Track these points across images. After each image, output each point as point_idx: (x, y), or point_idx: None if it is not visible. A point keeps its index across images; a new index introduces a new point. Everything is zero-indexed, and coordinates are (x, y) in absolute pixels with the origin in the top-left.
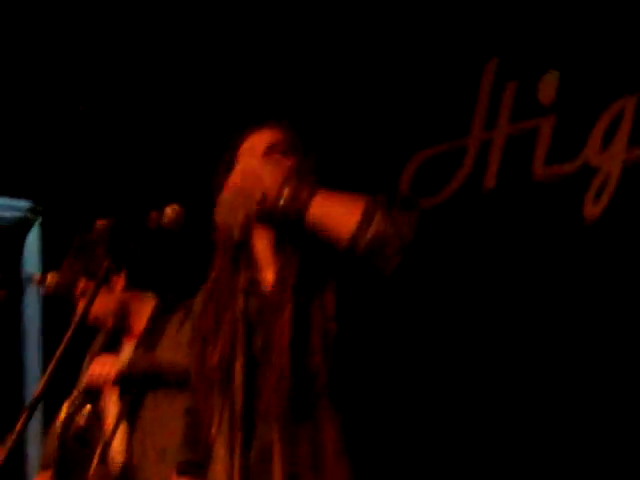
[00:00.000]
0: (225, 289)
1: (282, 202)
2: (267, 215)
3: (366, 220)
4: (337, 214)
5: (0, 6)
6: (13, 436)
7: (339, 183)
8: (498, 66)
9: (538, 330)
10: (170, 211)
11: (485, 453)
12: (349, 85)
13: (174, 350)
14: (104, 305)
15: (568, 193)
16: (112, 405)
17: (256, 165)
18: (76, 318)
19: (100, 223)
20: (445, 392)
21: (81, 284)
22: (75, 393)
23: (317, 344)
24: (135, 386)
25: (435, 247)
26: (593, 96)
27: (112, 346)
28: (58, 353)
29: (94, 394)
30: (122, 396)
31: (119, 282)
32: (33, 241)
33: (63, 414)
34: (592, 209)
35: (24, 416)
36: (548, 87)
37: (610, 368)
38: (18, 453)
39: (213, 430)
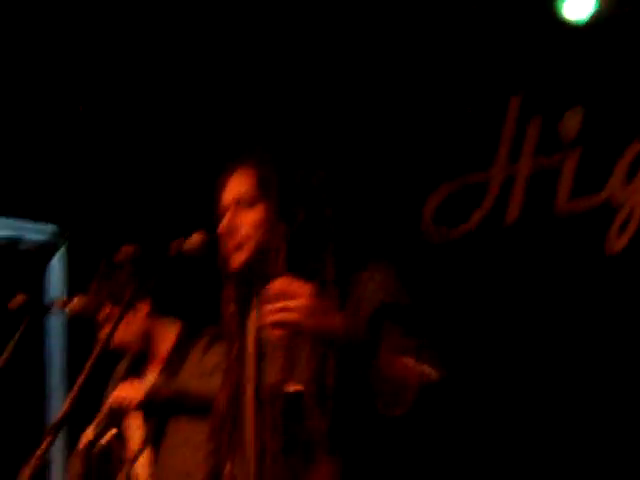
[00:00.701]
0: (233, 322)
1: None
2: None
3: None
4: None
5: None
6: (36, 459)
7: (363, 214)
8: (523, 101)
9: (561, 362)
10: (193, 238)
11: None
12: (374, 116)
13: (197, 376)
14: (128, 330)
15: (591, 227)
16: (135, 430)
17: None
18: (100, 343)
19: (126, 249)
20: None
21: (106, 309)
22: (99, 417)
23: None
24: (158, 411)
25: (456, 279)
26: (617, 131)
27: (136, 371)
28: (81, 377)
29: (118, 418)
30: (146, 421)
31: (144, 308)
32: (57, 265)
33: (87, 438)
34: (615, 243)
35: (47, 439)
36: (572, 122)
37: (634, 399)
38: (41, 476)
39: (228, 466)
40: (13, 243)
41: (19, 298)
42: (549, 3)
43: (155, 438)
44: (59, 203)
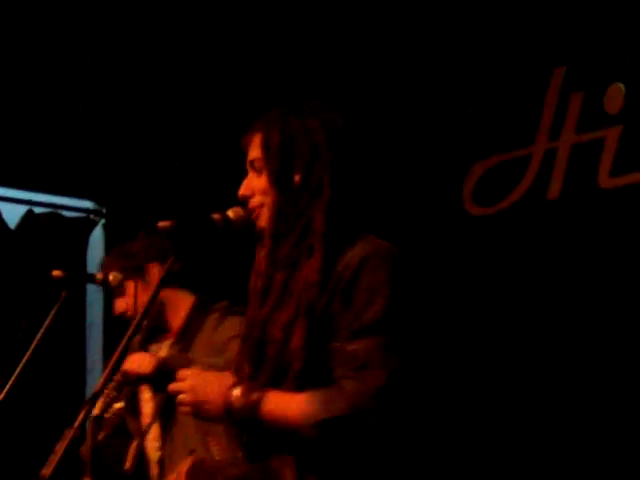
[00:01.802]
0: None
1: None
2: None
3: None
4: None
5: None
6: (72, 430)
7: (404, 186)
8: (565, 75)
9: (604, 337)
10: (235, 210)
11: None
12: (416, 90)
13: (206, 353)
14: (142, 302)
15: (633, 203)
16: (146, 403)
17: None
18: (136, 318)
19: (162, 224)
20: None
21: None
22: (107, 390)
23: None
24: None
25: (497, 254)
26: None
27: (150, 343)
28: (117, 351)
29: (125, 390)
30: (155, 395)
31: (157, 278)
32: (97, 241)
33: (97, 410)
34: None
35: (83, 411)
36: (615, 97)
37: None
38: (77, 448)
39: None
40: (53, 217)
41: (59, 272)
42: None
43: (165, 413)
44: (97, 179)
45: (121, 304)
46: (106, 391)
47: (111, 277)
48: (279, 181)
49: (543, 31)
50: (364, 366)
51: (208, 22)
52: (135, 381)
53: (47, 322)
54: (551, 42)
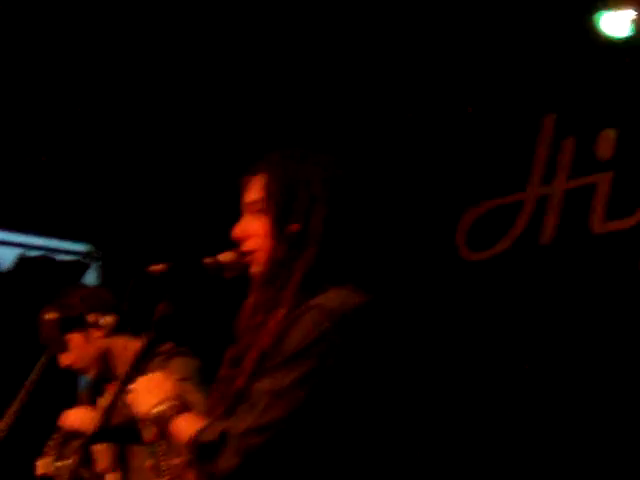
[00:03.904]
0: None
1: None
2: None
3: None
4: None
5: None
6: None
7: (396, 231)
8: (556, 122)
9: (595, 381)
10: (226, 255)
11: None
12: (410, 136)
13: None
14: (85, 353)
15: (625, 248)
16: (101, 454)
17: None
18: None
19: (155, 267)
20: None
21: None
22: (47, 449)
23: None
24: (114, 437)
25: (491, 299)
26: None
27: (99, 394)
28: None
29: (70, 445)
30: (108, 445)
31: (98, 330)
32: (92, 282)
33: (40, 470)
34: None
35: None
36: (606, 143)
37: None
38: None
39: None
40: (46, 261)
41: (52, 315)
42: (586, 21)
43: (121, 462)
44: (91, 222)
45: (66, 358)
46: (47, 450)
47: (102, 321)
48: (278, 228)
49: (534, 78)
50: (252, 404)
51: (199, 59)
52: (76, 435)
53: (41, 363)
54: (542, 89)
